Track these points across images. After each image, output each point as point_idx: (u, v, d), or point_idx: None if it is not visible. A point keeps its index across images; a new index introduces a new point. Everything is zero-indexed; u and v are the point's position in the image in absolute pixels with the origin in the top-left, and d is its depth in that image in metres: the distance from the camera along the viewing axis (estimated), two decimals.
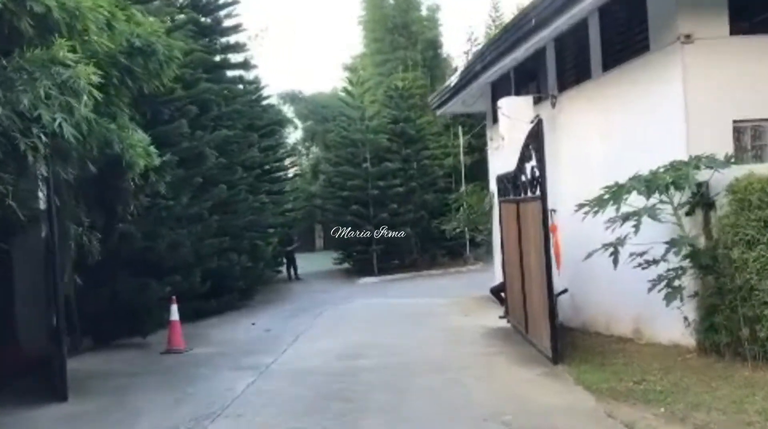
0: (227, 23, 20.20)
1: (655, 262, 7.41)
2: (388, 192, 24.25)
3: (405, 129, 25.50)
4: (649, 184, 7.29)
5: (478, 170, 26.76)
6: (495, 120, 14.70)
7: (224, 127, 16.72)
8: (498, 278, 14.10)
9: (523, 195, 9.43)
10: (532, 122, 9.11)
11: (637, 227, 7.04)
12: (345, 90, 26.71)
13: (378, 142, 25.19)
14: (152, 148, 11.31)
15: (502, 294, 12.28)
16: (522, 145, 9.17)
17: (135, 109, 13.07)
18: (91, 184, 11.07)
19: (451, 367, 8.69)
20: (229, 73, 20.94)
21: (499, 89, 13.98)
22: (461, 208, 17.33)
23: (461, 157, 26.33)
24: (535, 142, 8.47)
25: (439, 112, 17.80)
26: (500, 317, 12.10)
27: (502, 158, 11.82)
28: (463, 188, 22.26)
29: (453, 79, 15.10)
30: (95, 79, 7.35)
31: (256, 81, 24.10)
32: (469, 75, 13.46)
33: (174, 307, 11.54)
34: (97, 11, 8.16)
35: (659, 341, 8.46)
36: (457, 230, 16.86)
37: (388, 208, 24.05)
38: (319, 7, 62.40)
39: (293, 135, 38.96)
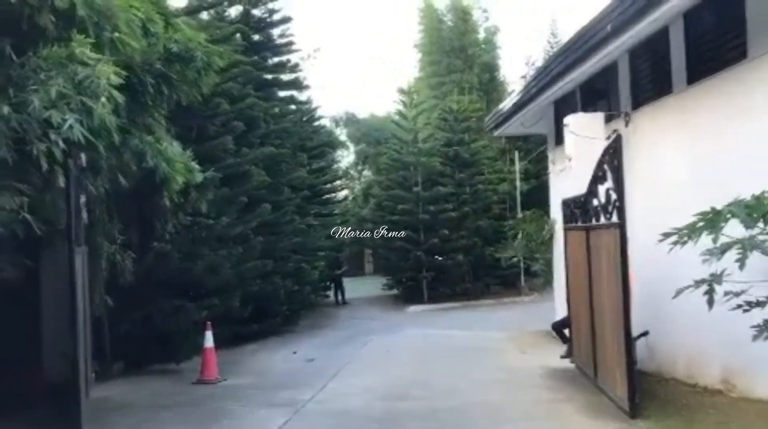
0: (279, 41, 19.81)
1: (759, 303, 6.22)
2: (440, 217, 23.26)
3: (459, 152, 24.56)
4: (751, 210, 6.13)
5: (535, 197, 25.55)
6: (558, 141, 13.66)
7: (272, 146, 16.13)
8: (559, 312, 12.95)
9: (594, 221, 8.35)
10: (608, 138, 8.07)
11: (742, 261, 5.89)
12: (399, 112, 25.97)
13: (430, 165, 24.29)
14: (194, 164, 10.76)
15: (565, 331, 11.12)
16: (595, 165, 8.12)
17: (175, 122, 12.56)
18: (127, 200, 10.52)
19: (510, 416, 7.60)
20: (281, 93, 20.49)
21: (562, 108, 12.94)
22: (518, 236, 16.21)
23: (517, 182, 25.21)
24: (611, 160, 7.43)
25: (496, 133, 16.79)
26: (562, 356, 10.98)
27: (567, 181, 10.76)
28: (519, 215, 21.11)
29: (513, 97, 14.12)
30: (115, 79, 6.67)
31: (307, 101, 23.64)
32: (531, 92, 12.46)
33: (209, 334, 10.77)
34: (130, 12, 7.56)
35: (758, 396, 7.20)
36: (514, 259, 15.74)
37: (439, 233, 23.05)
38: (375, 29, 62.19)
39: (346, 159, 38.52)
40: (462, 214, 23.70)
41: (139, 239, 11.02)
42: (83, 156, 9.12)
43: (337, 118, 36.93)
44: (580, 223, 9.27)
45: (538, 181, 26.72)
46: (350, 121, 37.93)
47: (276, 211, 16.08)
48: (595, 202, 8.26)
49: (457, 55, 30.84)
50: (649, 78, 9.65)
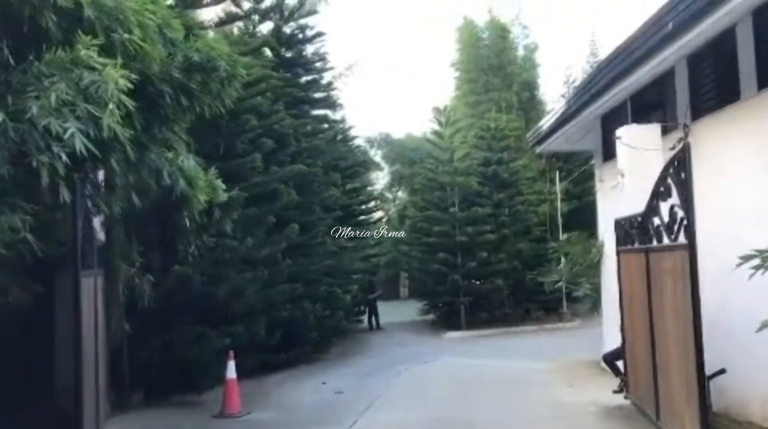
0: (311, 58, 19.32)
1: None
2: (478, 239, 22.28)
3: (497, 172, 23.66)
4: None
5: (576, 218, 24.44)
6: (606, 158, 12.78)
7: (303, 165, 15.49)
8: (608, 341, 11.96)
9: (656, 243, 7.46)
10: (672, 149, 7.21)
11: None
12: (434, 132, 25.22)
13: (467, 185, 23.36)
14: (218, 182, 10.20)
15: (619, 363, 10.15)
16: (656, 179, 7.25)
17: (201, 139, 12.06)
18: (147, 220, 9.98)
19: None
20: (314, 112, 19.93)
21: (610, 123, 12.06)
22: (562, 259, 15.24)
23: (558, 203, 24.20)
24: (677, 173, 6.56)
25: (538, 149, 15.90)
26: (615, 391, 10.02)
27: (619, 199, 9.83)
28: (562, 236, 20.10)
29: (557, 110, 13.25)
30: (124, 83, 6.05)
31: (341, 120, 23.09)
32: (578, 103, 11.60)
33: (231, 364, 10.07)
34: (144, 14, 6.98)
35: None
36: (559, 284, 14.78)
37: (477, 256, 22.09)
38: (411, 47, 61.82)
39: (381, 180, 37.86)
40: (501, 237, 22.72)
41: (160, 261, 10.45)
42: (101, 172, 8.67)
43: (371, 138, 36.35)
44: (637, 245, 8.36)
45: (581, 202, 25.67)
46: (385, 141, 37.32)
47: (307, 232, 15.43)
48: (657, 221, 7.37)
49: (495, 73, 30.01)
50: (712, 85, 8.76)
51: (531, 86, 30.82)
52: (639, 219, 8.15)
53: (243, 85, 12.46)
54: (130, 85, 6.20)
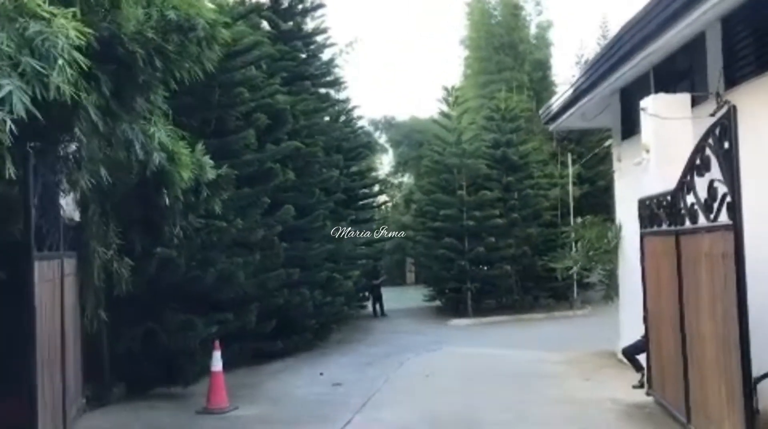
0: (312, 32, 18.39)
1: None
2: (486, 223, 21.36)
3: (507, 154, 22.64)
4: None
5: (588, 203, 23.60)
6: (626, 135, 11.85)
7: (302, 143, 14.60)
8: (626, 331, 11.14)
9: (689, 223, 6.57)
10: (711, 115, 6.31)
11: None
12: (441, 112, 24.20)
13: (475, 167, 22.38)
14: (206, 159, 9.42)
15: (639, 356, 9.33)
16: (692, 151, 6.36)
17: (192, 115, 11.27)
18: (128, 199, 9.20)
19: None
20: (315, 90, 18.99)
21: (631, 97, 11.11)
22: (576, 244, 14.35)
23: (570, 187, 23.25)
24: (719, 142, 5.67)
25: (552, 127, 14.91)
26: (635, 386, 9.27)
27: (643, 178, 8.92)
28: (576, 220, 19.16)
29: (574, 82, 12.26)
30: (75, 36, 5.18)
31: (345, 100, 22.14)
32: (598, 72, 10.62)
33: (217, 355, 9.28)
34: None
35: None
36: (573, 270, 13.90)
37: (485, 241, 21.18)
38: (418, 26, 60.10)
39: (387, 164, 36.94)
40: (510, 221, 21.79)
41: (142, 244, 9.64)
42: (74, 145, 7.87)
43: (375, 121, 35.36)
44: (665, 227, 7.48)
45: (593, 187, 24.76)
46: (389, 124, 36.31)
47: (307, 215, 14.59)
48: (690, 199, 6.49)
49: (507, 51, 28.92)
50: (751, 48, 7.80)
51: (543, 66, 29.79)
52: (668, 198, 7.27)
53: (233, 53, 11.62)
54: (87, 41, 5.32)
